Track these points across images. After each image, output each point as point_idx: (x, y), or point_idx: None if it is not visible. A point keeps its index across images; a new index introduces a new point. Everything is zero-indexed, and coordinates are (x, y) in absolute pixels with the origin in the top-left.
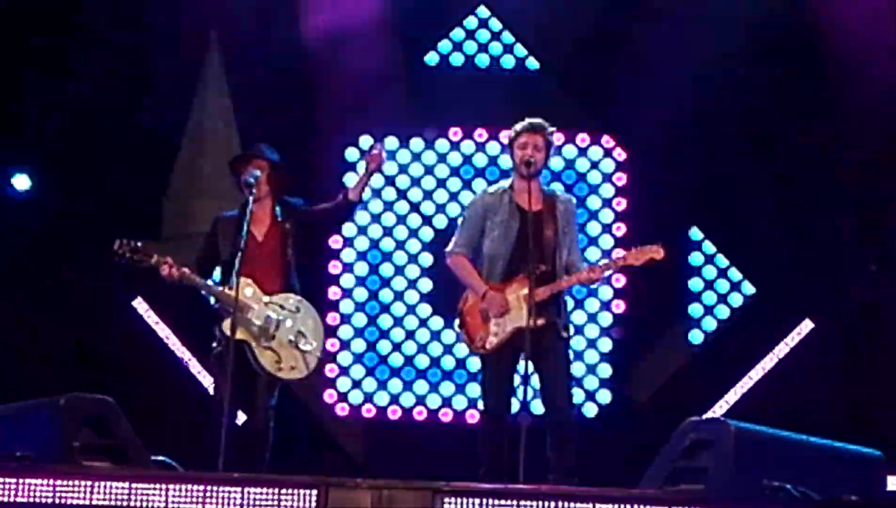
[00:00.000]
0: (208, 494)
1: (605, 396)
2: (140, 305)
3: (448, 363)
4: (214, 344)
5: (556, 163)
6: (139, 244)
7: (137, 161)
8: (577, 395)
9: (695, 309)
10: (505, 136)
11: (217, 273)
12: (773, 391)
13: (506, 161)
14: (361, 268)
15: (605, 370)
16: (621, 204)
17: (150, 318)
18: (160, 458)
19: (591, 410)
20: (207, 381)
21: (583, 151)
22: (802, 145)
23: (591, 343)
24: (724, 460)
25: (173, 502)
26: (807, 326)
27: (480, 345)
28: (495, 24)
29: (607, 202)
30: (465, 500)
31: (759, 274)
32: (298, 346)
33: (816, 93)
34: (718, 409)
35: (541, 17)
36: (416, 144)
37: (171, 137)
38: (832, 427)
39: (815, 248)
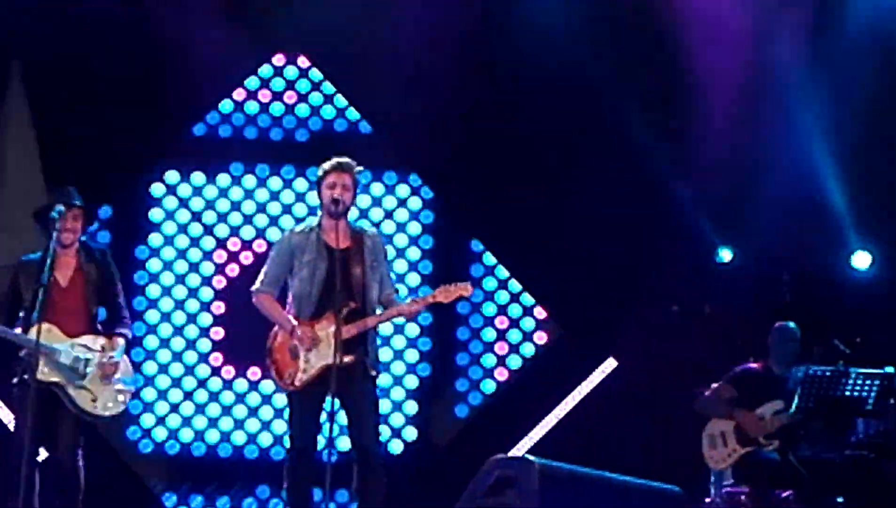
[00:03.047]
0: None
1: (411, 433)
2: None
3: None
4: (15, 380)
5: (363, 201)
6: None
7: None
8: (384, 432)
9: (500, 347)
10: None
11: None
12: (577, 429)
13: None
14: (167, 303)
15: (412, 407)
16: (428, 242)
17: None
18: None
19: (397, 447)
20: (6, 416)
21: (390, 189)
22: (609, 185)
23: (398, 381)
24: (528, 497)
25: None
26: (610, 364)
27: (289, 382)
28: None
29: (414, 240)
30: None
31: (564, 313)
32: (113, 385)
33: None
34: (523, 446)
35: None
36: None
37: None
38: (634, 464)
39: (619, 288)
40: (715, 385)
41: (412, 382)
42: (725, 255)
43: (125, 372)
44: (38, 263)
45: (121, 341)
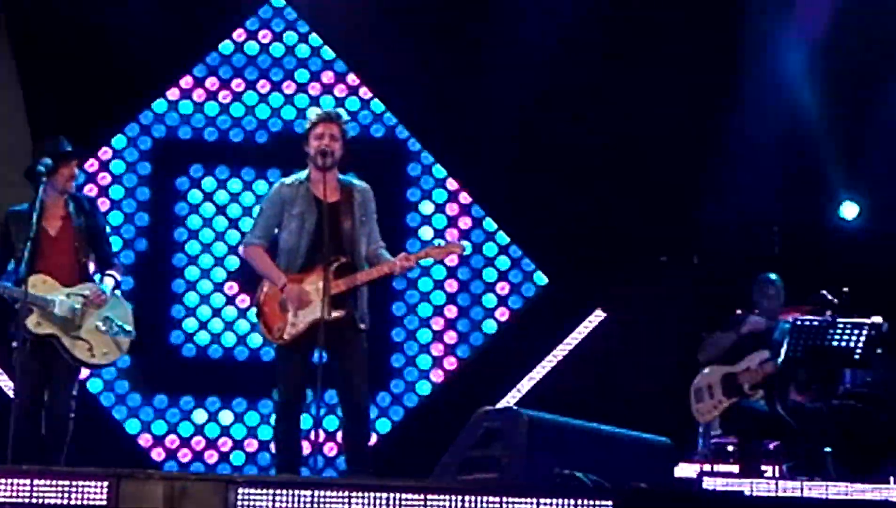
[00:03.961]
0: None
1: (399, 386)
2: None
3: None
4: (15, 343)
5: None
6: None
7: None
8: (384, 399)
9: (488, 299)
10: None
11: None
12: (566, 380)
13: None
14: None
15: (399, 360)
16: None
17: None
18: None
19: (385, 400)
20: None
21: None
22: (594, 138)
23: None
24: (516, 449)
25: None
26: (598, 316)
27: (278, 336)
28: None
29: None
30: (258, 490)
31: (552, 265)
32: (108, 331)
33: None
34: (511, 398)
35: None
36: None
37: None
38: (623, 416)
39: (607, 239)
40: (719, 333)
41: (399, 335)
42: (714, 205)
43: (124, 317)
44: (27, 213)
45: (109, 279)
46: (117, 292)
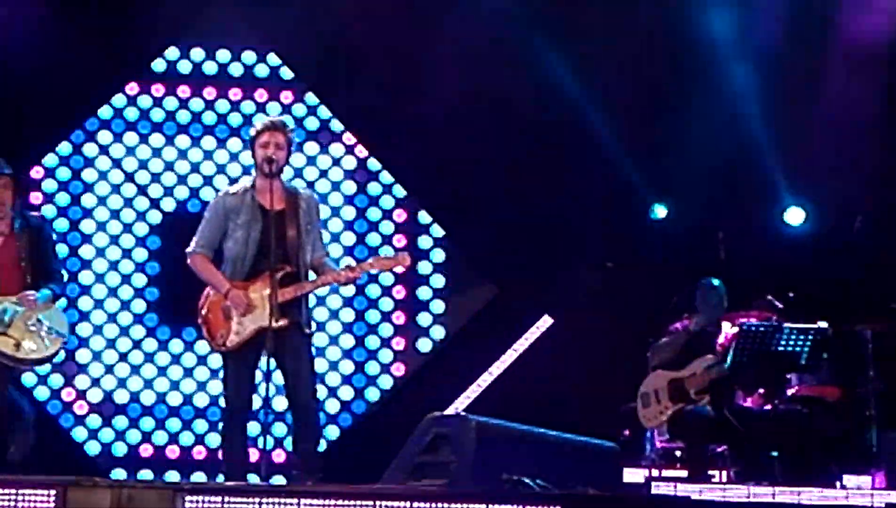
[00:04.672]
0: None
1: (347, 393)
2: None
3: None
4: None
5: (298, 160)
6: None
7: None
8: (321, 392)
9: (436, 306)
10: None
11: None
12: (514, 386)
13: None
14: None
15: (348, 367)
16: (363, 201)
17: None
18: None
19: (333, 406)
20: None
21: (324, 148)
22: (540, 144)
23: (334, 340)
24: (465, 454)
25: None
26: (546, 321)
27: (221, 343)
28: None
29: (349, 199)
30: (206, 498)
31: (500, 272)
32: (39, 331)
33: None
34: (460, 404)
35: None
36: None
37: None
38: (570, 421)
39: (554, 246)
40: (666, 339)
41: (348, 342)
42: (660, 211)
43: (55, 320)
44: None
45: (47, 290)
46: (57, 303)
